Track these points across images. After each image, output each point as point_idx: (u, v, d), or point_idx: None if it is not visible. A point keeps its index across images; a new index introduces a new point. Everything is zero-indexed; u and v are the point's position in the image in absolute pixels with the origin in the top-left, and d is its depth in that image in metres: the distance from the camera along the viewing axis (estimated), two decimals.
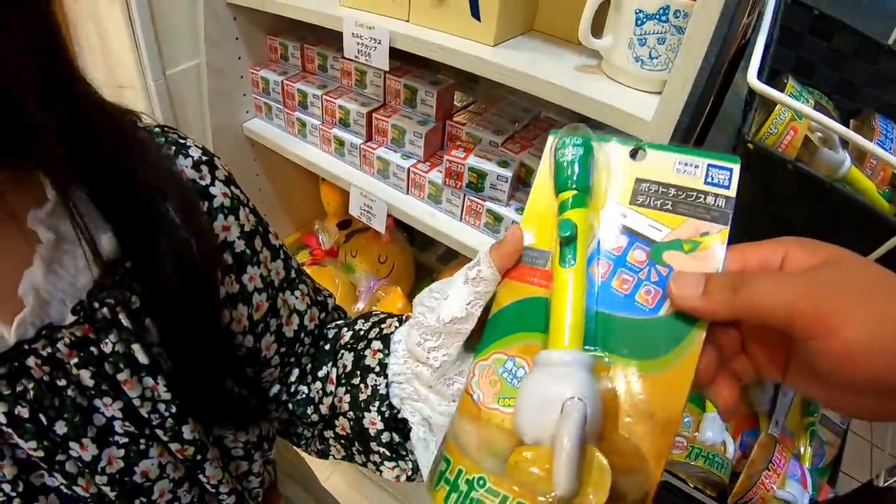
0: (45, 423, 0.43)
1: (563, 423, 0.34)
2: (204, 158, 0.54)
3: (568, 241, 0.40)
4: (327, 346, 0.65)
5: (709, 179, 0.41)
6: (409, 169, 1.15)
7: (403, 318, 0.59)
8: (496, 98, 1.25)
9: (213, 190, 0.53)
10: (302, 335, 0.64)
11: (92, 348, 0.45)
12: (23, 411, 0.42)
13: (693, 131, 0.81)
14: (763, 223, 0.76)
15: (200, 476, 0.53)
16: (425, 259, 1.68)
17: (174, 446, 0.50)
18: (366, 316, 0.65)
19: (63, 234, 0.43)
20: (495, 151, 1.09)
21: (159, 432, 0.49)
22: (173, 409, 0.49)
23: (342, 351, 0.61)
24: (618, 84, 0.85)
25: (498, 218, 1.06)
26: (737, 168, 0.40)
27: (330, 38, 1.29)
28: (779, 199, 0.75)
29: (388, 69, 1.05)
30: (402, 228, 1.58)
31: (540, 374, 0.38)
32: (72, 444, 0.45)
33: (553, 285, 0.41)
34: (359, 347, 0.60)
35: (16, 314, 0.42)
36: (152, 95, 1.26)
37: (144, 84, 1.25)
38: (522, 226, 0.45)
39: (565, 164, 0.42)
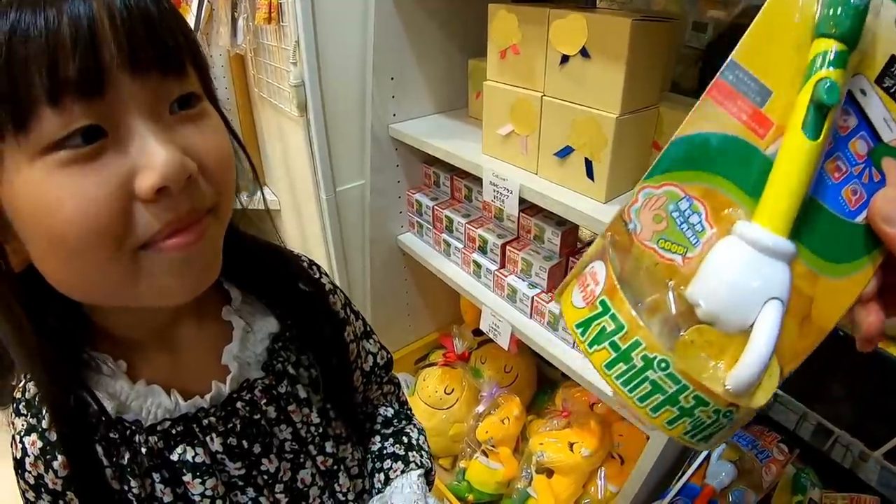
0: (246, 446, 0.60)
1: (763, 324, 0.32)
2: (312, 262, 0.74)
3: (822, 108, 0.32)
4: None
5: None
6: (532, 297, 1.23)
7: (412, 463, 0.77)
8: None
9: (323, 280, 0.72)
10: (376, 369, 0.81)
11: (274, 391, 0.62)
12: (233, 440, 0.59)
13: None
14: None
15: (335, 485, 0.70)
16: (550, 373, 1.71)
17: (319, 459, 0.67)
18: (395, 435, 0.81)
19: (248, 321, 0.62)
20: None
21: (311, 447, 0.66)
22: (320, 430, 0.66)
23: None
24: None
25: None
26: None
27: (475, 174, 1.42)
28: None
29: (516, 215, 1.13)
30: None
31: (746, 254, 0.33)
32: (262, 460, 0.61)
33: (783, 150, 0.33)
34: (369, 468, 0.77)
35: (224, 376, 0.58)
36: (324, 208, 1.46)
37: (318, 198, 1.46)
38: (741, 48, 0.36)
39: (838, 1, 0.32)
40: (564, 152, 1.07)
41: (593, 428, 1.32)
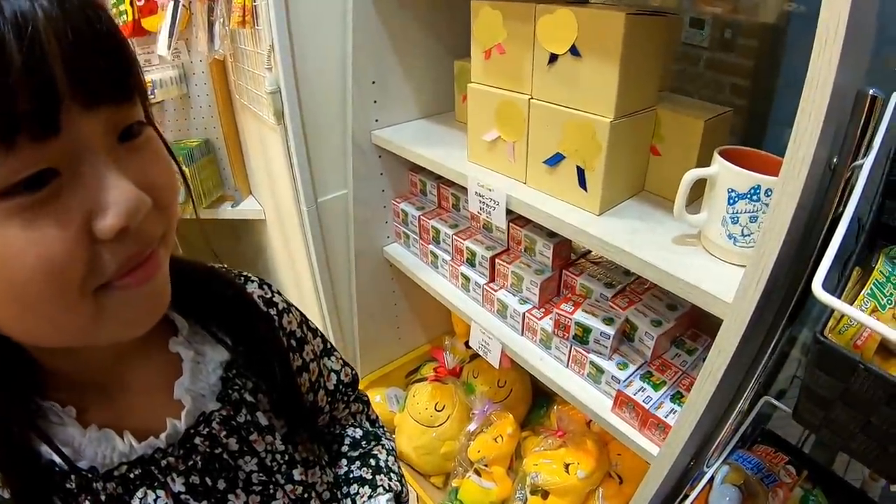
0: (210, 483, 0.56)
1: None
2: (263, 281, 0.70)
3: None
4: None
5: None
6: (524, 314, 1.16)
7: (380, 487, 0.75)
8: None
9: (276, 299, 0.69)
10: (340, 387, 0.79)
11: (233, 422, 0.58)
12: (195, 478, 0.55)
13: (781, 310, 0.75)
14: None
15: None
16: (545, 386, 1.62)
17: (289, 487, 0.63)
18: (363, 458, 0.79)
19: (197, 351, 0.59)
20: (603, 306, 1.07)
21: (278, 477, 0.62)
22: (286, 458, 0.63)
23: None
24: (713, 258, 0.83)
25: (600, 370, 1.03)
26: None
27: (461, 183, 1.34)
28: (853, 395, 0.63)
29: (504, 227, 1.05)
30: None
31: None
32: (229, 496, 0.57)
33: None
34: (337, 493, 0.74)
35: (178, 412, 0.55)
36: (305, 220, 1.38)
37: (299, 209, 1.38)
38: None
39: None
40: (555, 160, 0.99)
41: (589, 448, 1.24)
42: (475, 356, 1.55)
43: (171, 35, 1.45)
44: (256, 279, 0.71)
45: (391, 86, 1.32)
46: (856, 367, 0.59)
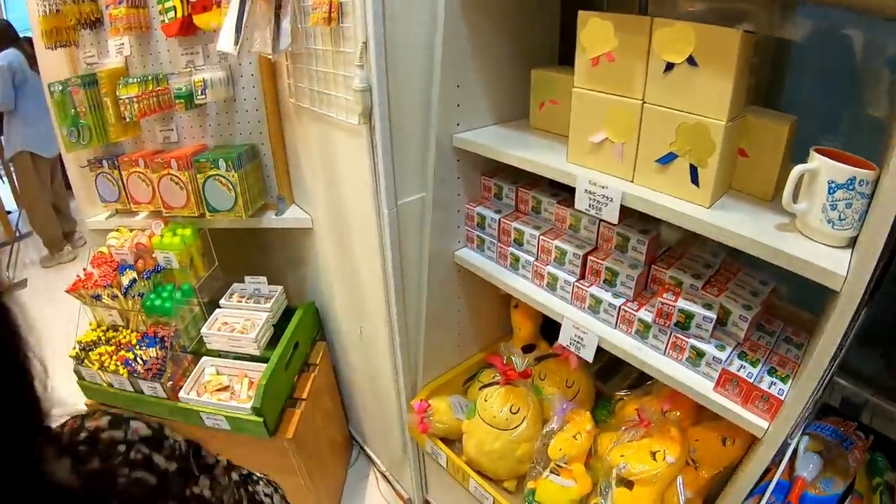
0: None
1: None
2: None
3: None
4: None
5: None
6: (619, 307, 1.30)
7: None
8: (687, 244, 1.40)
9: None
10: None
11: None
12: None
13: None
14: None
15: None
16: (604, 387, 1.78)
17: None
18: None
19: None
20: (696, 294, 1.23)
21: None
22: None
23: None
24: (812, 241, 1.00)
25: (700, 353, 1.18)
26: None
27: (542, 184, 1.51)
28: None
29: (616, 221, 1.18)
30: None
31: None
32: None
33: None
34: None
35: None
36: (384, 223, 1.49)
37: (378, 211, 1.49)
38: None
39: None
40: (667, 159, 1.14)
41: (674, 435, 1.37)
42: (540, 360, 1.67)
43: (237, 30, 1.50)
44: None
45: (473, 91, 1.46)
46: None
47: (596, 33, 1.18)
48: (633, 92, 1.16)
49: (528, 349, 1.77)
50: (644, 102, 1.15)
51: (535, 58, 1.53)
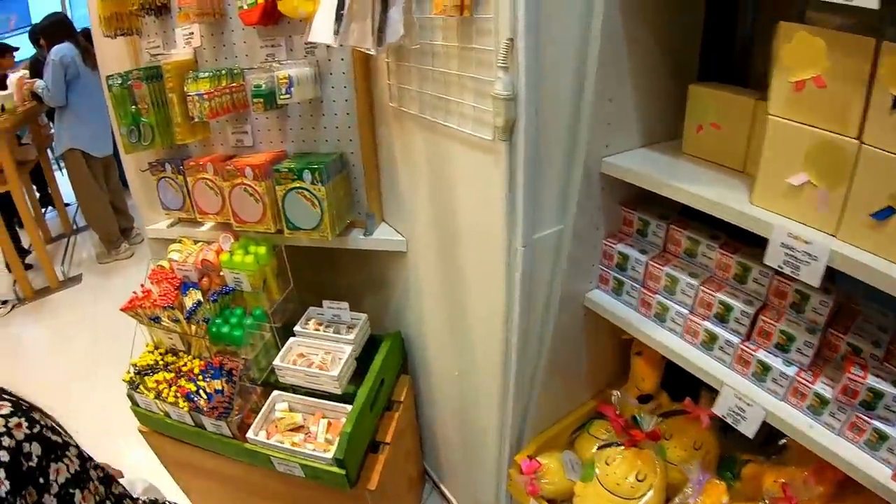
0: None
1: None
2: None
3: None
4: None
5: None
6: (793, 377, 1.13)
7: None
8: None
9: None
10: None
11: None
12: None
13: None
14: None
15: None
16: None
17: None
18: None
19: None
20: (881, 368, 1.07)
21: None
22: None
23: None
24: None
25: (883, 437, 1.02)
26: None
27: (698, 221, 1.31)
28: None
29: (818, 285, 1.01)
30: None
31: None
32: None
33: None
34: None
35: None
36: (516, 260, 1.30)
37: (509, 247, 1.30)
38: None
39: None
40: (885, 214, 0.96)
41: None
42: (666, 414, 1.50)
43: (338, 21, 1.29)
44: None
45: (625, 107, 1.28)
46: None
47: (803, 51, 1.00)
48: (848, 129, 0.97)
49: (643, 399, 1.61)
50: (861, 143, 0.96)
51: (679, 71, 1.34)
